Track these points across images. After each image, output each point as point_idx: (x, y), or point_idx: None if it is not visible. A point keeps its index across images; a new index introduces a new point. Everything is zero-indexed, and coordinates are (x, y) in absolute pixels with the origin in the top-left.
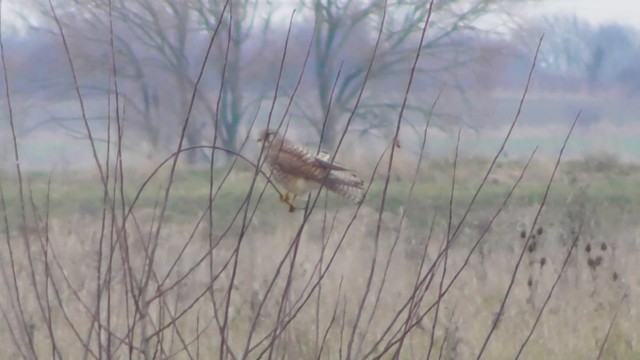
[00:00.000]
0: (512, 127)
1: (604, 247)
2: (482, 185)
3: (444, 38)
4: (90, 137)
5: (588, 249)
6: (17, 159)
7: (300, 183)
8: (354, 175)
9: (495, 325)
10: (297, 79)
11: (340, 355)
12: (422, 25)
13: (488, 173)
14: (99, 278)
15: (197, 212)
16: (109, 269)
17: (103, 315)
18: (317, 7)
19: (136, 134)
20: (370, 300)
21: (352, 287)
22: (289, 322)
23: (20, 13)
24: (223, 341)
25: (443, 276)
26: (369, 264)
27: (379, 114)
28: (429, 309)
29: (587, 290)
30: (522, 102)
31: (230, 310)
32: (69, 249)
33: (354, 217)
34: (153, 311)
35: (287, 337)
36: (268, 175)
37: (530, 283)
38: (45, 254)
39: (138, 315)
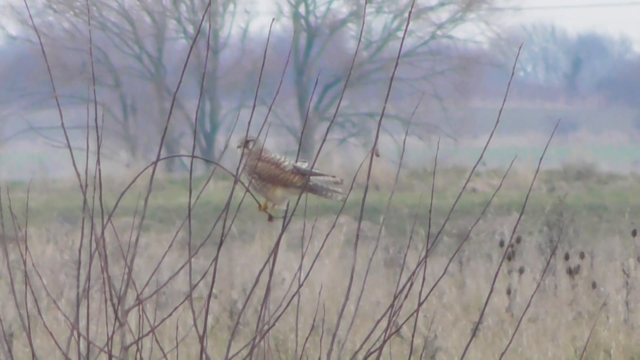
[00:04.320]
0: (490, 136)
1: (582, 256)
2: (460, 194)
3: (422, 47)
4: (69, 146)
5: (567, 257)
6: None
7: (279, 192)
8: (333, 176)
9: (474, 334)
10: (276, 88)
11: None
12: (400, 34)
13: (467, 182)
14: (78, 287)
15: (176, 221)
16: (88, 278)
17: (82, 323)
18: (295, 16)
19: (115, 143)
20: (349, 309)
21: (331, 296)
22: (268, 330)
23: None
24: (202, 349)
25: (422, 285)
26: (348, 272)
27: (358, 123)
28: (408, 318)
29: (566, 299)
30: (500, 111)
31: (210, 318)
32: (48, 258)
33: (333, 226)
34: (132, 320)
35: (266, 345)
36: (247, 184)
37: (509, 292)
38: (24, 262)
39: (117, 324)
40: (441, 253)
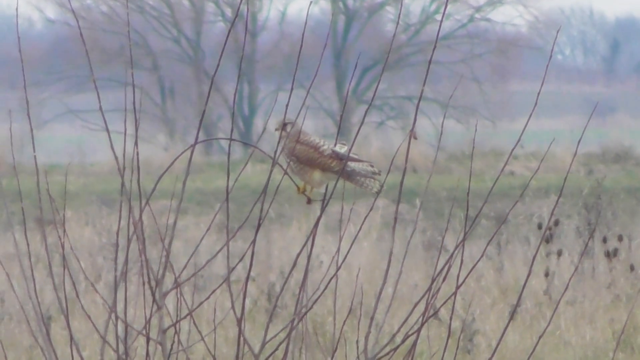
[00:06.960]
0: (528, 119)
1: (620, 238)
2: (498, 177)
3: (461, 30)
4: (107, 129)
5: (604, 240)
6: (34, 151)
7: (317, 175)
8: (372, 166)
9: (512, 316)
10: (314, 71)
11: (357, 347)
12: (438, 17)
13: (505, 165)
14: (116, 270)
15: (214, 204)
16: (126, 261)
17: (120, 306)
18: None
19: (153, 126)
20: (387, 291)
21: (369, 279)
22: (305, 313)
23: (36, 5)
24: (240, 332)
25: (460, 268)
26: (386, 255)
27: (396, 106)
28: (445, 301)
29: (603, 282)
30: (538, 94)
31: (247, 301)
32: (86, 241)
33: (371, 209)
34: (170, 303)
35: (304, 328)
36: (285, 167)
37: (547, 274)
38: (62, 245)
39: (155, 307)
40: (479, 236)
